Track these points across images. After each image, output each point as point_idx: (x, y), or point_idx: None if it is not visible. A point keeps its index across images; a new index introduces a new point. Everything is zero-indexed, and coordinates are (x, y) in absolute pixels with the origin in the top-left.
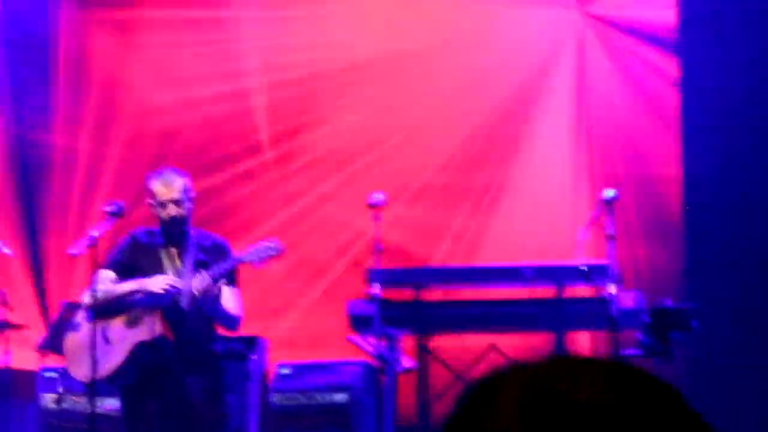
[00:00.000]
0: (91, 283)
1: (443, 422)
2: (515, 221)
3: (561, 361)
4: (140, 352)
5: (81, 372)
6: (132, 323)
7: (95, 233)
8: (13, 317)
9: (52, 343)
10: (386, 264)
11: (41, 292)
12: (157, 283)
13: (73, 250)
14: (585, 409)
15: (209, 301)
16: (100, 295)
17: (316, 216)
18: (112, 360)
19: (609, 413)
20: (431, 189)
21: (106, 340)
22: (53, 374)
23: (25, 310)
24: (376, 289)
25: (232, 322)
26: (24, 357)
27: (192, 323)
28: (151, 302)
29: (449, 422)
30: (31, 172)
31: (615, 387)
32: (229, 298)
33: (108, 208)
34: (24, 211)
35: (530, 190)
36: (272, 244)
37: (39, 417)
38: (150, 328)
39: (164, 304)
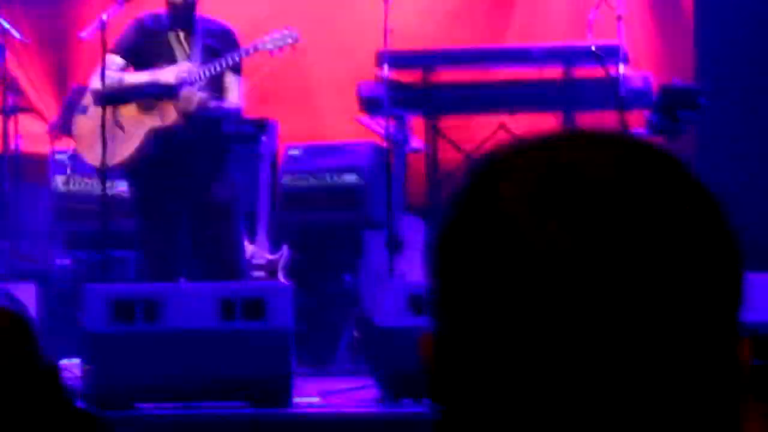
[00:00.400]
0: (99, 68)
1: (450, 199)
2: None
3: (570, 135)
4: (155, 137)
5: (92, 156)
6: (145, 109)
7: (105, 17)
8: (24, 101)
9: (63, 126)
10: (396, 46)
11: (60, 77)
12: (171, 74)
13: (84, 34)
14: (597, 182)
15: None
16: (110, 81)
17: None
18: (126, 146)
19: (620, 185)
20: None
21: (119, 126)
22: (64, 157)
23: (41, 94)
24: (385, 70)
25: (234, 113)
26: (36, 140)
27: (202, 110)
28: (164, 91)
29: (457, 198)
30: None
31: (626, 159)
32: (232, 88)
33: None
34: None
35: None
36: (289, 32)
37: (51, 200)
38: (164, 114)
39: (177, 92)
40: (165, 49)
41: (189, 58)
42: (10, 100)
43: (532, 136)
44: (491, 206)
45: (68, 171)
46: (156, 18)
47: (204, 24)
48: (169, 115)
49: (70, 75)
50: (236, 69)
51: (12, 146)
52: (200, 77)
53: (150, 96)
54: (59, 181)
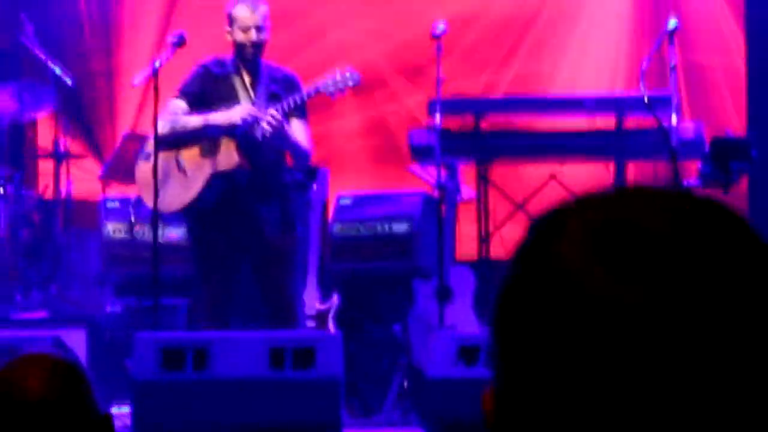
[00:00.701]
0: (161, 113)
1: (509, 257)
2: (576, 52)
3: (629, 190)
4: (216, 181)
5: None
6: (207, 153)
7: (157, 63)
8: (75, 147)
9: (113, 173)
10: (447, 94)
11: (109, 122)
12: (236, 114)
13: (136, 80)
14: (657, 236)
15: (280, 133)
16: (174, 126)
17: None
18: (188, 190)
19: (677, 239)
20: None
21: (181, 170)
22: (116, 204)
23: (91, 139)
24: (437, 119)
25: (303, 154)
26: (86, 187)
27: (266, 153)
28: (226, 131)
29: (517, 252)
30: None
31: (686, 215)
32: (299, 131)
33: (170, 38)
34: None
35: (591, 20)
36: (349, 74)
37: (101, 246)
38: (226, 157)
39: (239, 133)
40: (230, 93)
41: (253, 102)
42: (62, 146)
43: (587, 192)
44: (550, 263)
45: (132, 218)
46: (220, 63)
47: (269, 70)
48: (230, 159)
49: (122, 121)
50: (301, 114)
51: (63, 191)
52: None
53: (214, 135)
54: (110, 228)
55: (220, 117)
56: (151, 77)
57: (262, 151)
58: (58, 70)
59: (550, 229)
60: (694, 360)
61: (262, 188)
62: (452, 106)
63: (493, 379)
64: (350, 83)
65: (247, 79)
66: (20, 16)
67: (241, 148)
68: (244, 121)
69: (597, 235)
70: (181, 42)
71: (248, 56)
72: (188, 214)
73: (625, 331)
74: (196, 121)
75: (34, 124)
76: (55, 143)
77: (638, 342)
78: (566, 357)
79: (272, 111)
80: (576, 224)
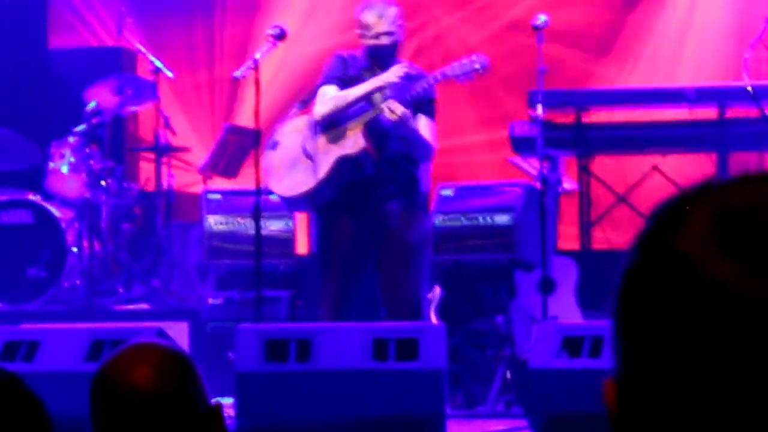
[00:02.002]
0: (315, 102)
1: (633, 241)
2: (679, 41)
3: (750, 178)
4: (342, 167)
5: (282, 188)
6: (335, 139)
7: (258, 55)
8: (176, 140)
9: (214, 166)
10: (548, 85)
11: (210, 115)
12: (392, 74)
13: (237, 73)
14: None
15: (404, 122)
16: (335, 103)
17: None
18: (314, 175)
19: None
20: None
21: (308, 157)
22: (217, 196)
23: (191, 133)
24: (539, 110)
25: (426, 149)
26: (187, 179)
27: (392, 142)
28: (391, 92)
29: (638, 241)
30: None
31: None
32: (425, 128)
33: (271, 31)
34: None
35: (695, 8)
36: (477, 58)
37: (202, 238)
38: (353, 143)
39: (403, 90)
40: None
41: (386, 97)
42: (163, 139)
43: (704, 181)
44: (673, 252)
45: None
46: (354, 57)
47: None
48: (357, 143)
49: (221, 113)
50: (429, 112)
51: (165, 184)
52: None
53: (371, 101)
54: (212, 220)
55: (377, 80)
56: (253, 70)
57: (388, 139)
58: (159, 63)
59: (672, 217)
60: None
61: (389, 178)
62: (554, 97)
63: (615, 369)
64: (477, 66)
65: (379, 73)
66: (121, 9)
67: (368, 135)
68: (401, 78)
69: (721, 224)
70: (281, 35)
71: (381, 59)
72: (316, 207)
73: (756, 323)
74: (355, 91)
75: (135, 117)
76: (156, 136)
77: (752, 331)
78: (693, 348)
79: (392, 102)
80: (699, 213)
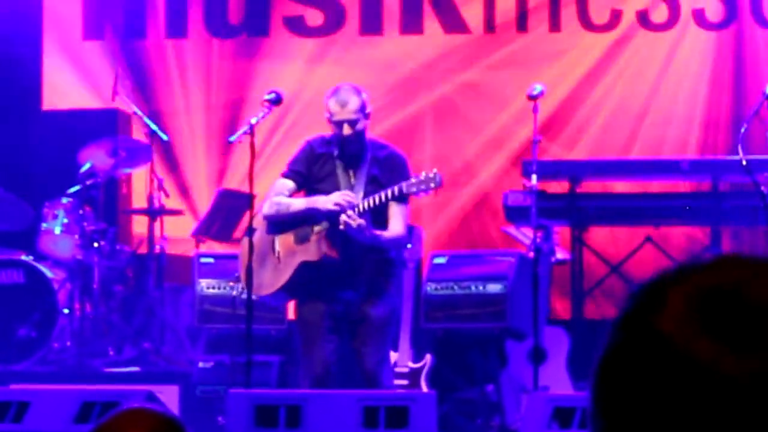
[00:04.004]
0: (269, 191)
1: (612, 322)
2: (668, 116)
3: (732, 260)
4: (304, 271)
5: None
6: (301, 240)
7: (253, 120)
8: (169, 203)
9: (206, 230)
10: (542, 156)
11: (201, 179)
12: (330, 200)
13: (233, 138)
14: (761, 308)
15: (361, 233)
16: (279, 208)
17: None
18: (279, 276)
19: None
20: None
21: (276, 255)
22: (210, 260)
23: (183, 196)
24: (533, 180)
25: (395, 244)
26: (179, 243)
27: (355, 243)
28: (326, 216)
29: (618, 321)
30: None
31: None
32: (395, 216)
33: (266, 96)
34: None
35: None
36: (434, 175)
37: (194, 302)
38: (315, 248)
39: (339, 214)
40: (329, 174)
41: (353, 188)
42: (156, 202)
43: (684, 260)
44: (653, 333)
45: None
46: (325, 141)
47: (373, 151)
48: (317, 250)
49: (209, 177)
50: (402, 199)
51: (157, 247)
52: (359, 208)
53: (315, 218)
54: (204, 284)
55: (319, 201)
56: (248, 134)
57: (351, 241)
58: (153, 126)
59: (652, 298)
60: None
61: (355, 270)
62: (548, 168)
63: None
64: (432, 185)
65: (348, 160)
66: (116, 71)
67: (330, 238)
68: (340, 207)
69: (699, 304)
70: (277, 100)
71: (346, 145)
72: (282, 303)
73: (734, 401)
74: (298, 204)
75: (128, 179)
76: (150, 199)
77: (757, 413)
78: (673, 426)
79: (349, 212)
80: (677, 293)
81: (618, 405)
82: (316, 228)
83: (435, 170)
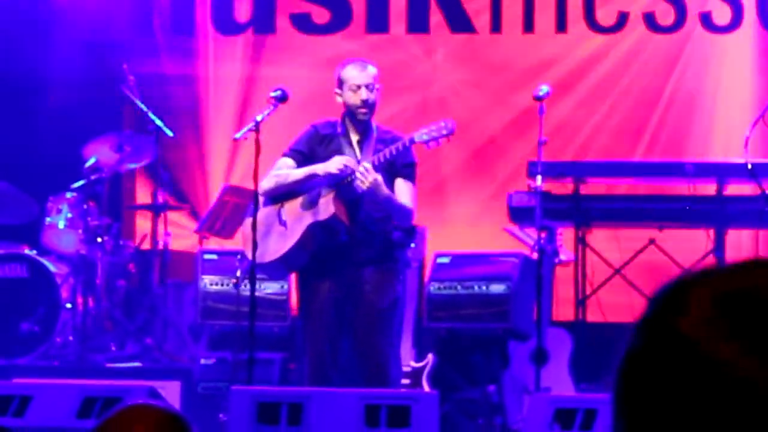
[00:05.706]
0: (270, 169)
1: (635, 322)
2: (677, 118)
3: (755, 263)
4: (313, 232)
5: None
6: (308, 205)
7: (259, 117)
8: (174, 199)
9: (210, 226)
10: (547, 157)
11: (205, 176)
12: (332, 164)
13: (238, 135)
14: None
15: (376, 188)
16: (276, 180)
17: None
18: (286, 241)
19: None
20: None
21: (282, 223)
22: (213, 257)
23: (187, 192)
24: (538, 181)
25: (403, 214)
26: (183, 239)
27: (367, 208)
28: (326, 181)
29: (641, 323)
30: None
31: None
32: (403, 191)
33: (272, 93)
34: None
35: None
36: (445, 123)
37: (197, 298)
38: (324, 209)
39: (339, 181)
40: (336, 153)
41: (358, 161)
42: (160, 198)
43: (705, 265)
44: (675, 336)
45: (238, 273)
46: (331, 124)
47: (378, 132)
48: (328, 209)
49: (213, 174)
50: (408, 175)
51: (161, 243)
52: (370, 163)
53: (314, 185)
54: (207, 281)
55: (318, 167)
56: (253, 131)
57: (361, 204)
58: (159, 122)
59: (674, 300)
60: None
61: (363, 242)
62: (553, 168)
63: None
64: (444, 132)
65: (354, 138)
66: (122, 67)
67: (340, 201)
68: (340, 171)
69: (722, 306)
70: (283, 97)
71: (359, 116)
72: (293, 271)
73: (758, 403)
74: (297, 173)
75: (132, 175)
76: (154, 195)
77: (753, 412)
78: (696, 429)
79: (365, 164)
80: (700, 296)
81: (640, 407)
82: (325, 191)
83: (449, 119)
